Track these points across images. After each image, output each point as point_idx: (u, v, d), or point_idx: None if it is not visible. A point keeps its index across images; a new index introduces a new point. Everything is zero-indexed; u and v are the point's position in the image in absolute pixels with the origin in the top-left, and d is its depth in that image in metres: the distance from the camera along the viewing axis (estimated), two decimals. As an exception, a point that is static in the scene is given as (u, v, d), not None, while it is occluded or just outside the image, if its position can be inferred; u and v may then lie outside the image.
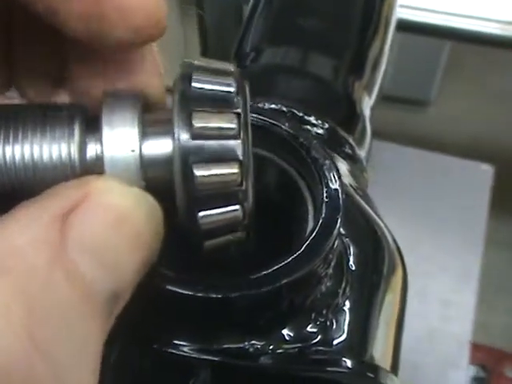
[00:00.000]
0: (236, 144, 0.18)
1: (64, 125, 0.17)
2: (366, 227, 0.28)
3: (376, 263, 0.27)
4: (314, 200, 0.24)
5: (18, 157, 0.16)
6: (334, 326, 0.24)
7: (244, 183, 0.18)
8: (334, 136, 0.32)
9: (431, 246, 0.79)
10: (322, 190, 0.23)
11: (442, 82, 1.70)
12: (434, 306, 0.74)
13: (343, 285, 0.25)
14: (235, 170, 0.18)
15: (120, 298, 0.17)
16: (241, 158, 0.18)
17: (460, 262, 0.77)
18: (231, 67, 0.19)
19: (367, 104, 0.37)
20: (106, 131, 0.17)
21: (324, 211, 0.23)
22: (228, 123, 0.18)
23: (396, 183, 0.83)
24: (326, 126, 0.32)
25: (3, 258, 0.14)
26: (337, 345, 0.24)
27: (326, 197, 0.23)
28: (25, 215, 0.15)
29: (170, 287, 0.20)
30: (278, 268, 0.21)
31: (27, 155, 0.16)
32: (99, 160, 0.17)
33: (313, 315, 0.24)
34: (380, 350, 0.26)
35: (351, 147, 0.33)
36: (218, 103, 0.18)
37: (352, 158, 0.33)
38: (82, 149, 0.17)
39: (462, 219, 0.81)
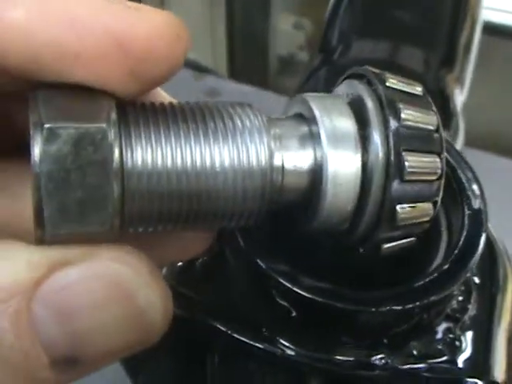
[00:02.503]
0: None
1: (253, 130, 0.16)
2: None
3: (493, 274, 0.26)
4: (446, 211, 0.23)
5: (208, 161, 0.15)
6: (462, 344, 0.22)
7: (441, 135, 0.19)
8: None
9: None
10: (463, 202, 0.22)
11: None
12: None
13: (472, 299, 0.23)
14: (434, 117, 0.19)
15: (80, 365, 0.15)
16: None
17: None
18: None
19: (459, 98, 0.35)
20: (330, 149, 0.17)
21: (467, 224, 0.21)
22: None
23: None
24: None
25: None
26: (463, 363, 0.22)
27: (468, 209, 0.21)
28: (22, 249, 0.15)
29: (319, 299, 0.19)
30: (425, 283, 0.20)
31: (218, 160, 0.15)
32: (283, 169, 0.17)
33: (442, 331, 0.22)
34: (498, 367, 0.24)
35: (451, 147, 0.31)
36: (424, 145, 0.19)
37: (452, 159, 0.31)
38: (271, 156, 0.16)
39: (499, 221, 0.79)
